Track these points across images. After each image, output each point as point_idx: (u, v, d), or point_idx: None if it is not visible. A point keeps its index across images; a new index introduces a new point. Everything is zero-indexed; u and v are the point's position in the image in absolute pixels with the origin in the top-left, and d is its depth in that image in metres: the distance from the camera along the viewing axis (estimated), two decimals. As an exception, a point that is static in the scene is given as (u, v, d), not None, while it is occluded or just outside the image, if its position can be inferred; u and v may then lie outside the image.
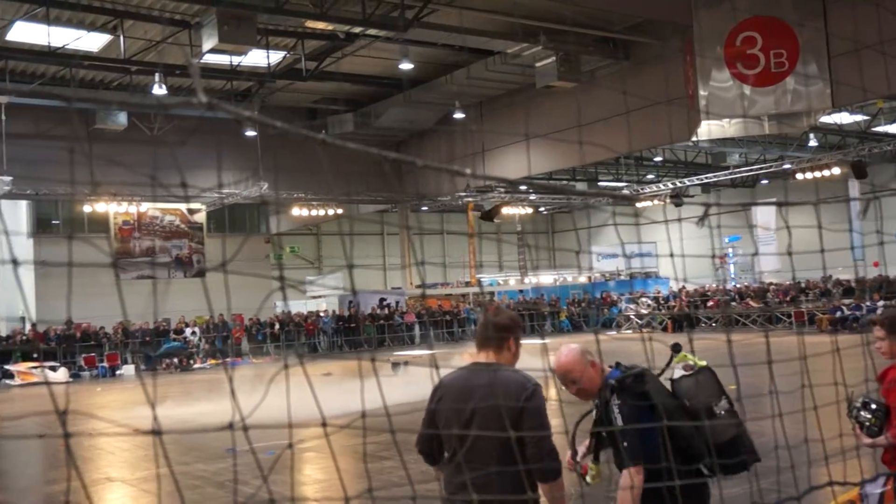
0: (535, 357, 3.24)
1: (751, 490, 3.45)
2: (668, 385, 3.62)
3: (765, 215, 33.05)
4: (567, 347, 3.72)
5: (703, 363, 3.61)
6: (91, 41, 22.80)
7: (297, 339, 32.18)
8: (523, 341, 3.70)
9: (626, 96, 23.31)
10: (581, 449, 3.78)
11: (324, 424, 1.76)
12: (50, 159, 25.11)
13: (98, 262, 25.50)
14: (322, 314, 34.28)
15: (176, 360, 28.31)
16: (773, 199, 38.17)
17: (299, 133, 1.60)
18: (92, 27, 22.10)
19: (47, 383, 23.65)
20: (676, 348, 3.68)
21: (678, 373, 3.62)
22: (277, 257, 38.38)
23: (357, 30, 21.97)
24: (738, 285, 37.41)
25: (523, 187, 39.03)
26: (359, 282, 37.98)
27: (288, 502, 5.18)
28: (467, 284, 41.92)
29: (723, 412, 3.49)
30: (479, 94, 29.71)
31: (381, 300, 35.82)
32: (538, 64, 24.35)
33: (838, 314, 27.79)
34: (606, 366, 3.65)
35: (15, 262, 1.52)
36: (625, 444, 3.34)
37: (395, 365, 17.56)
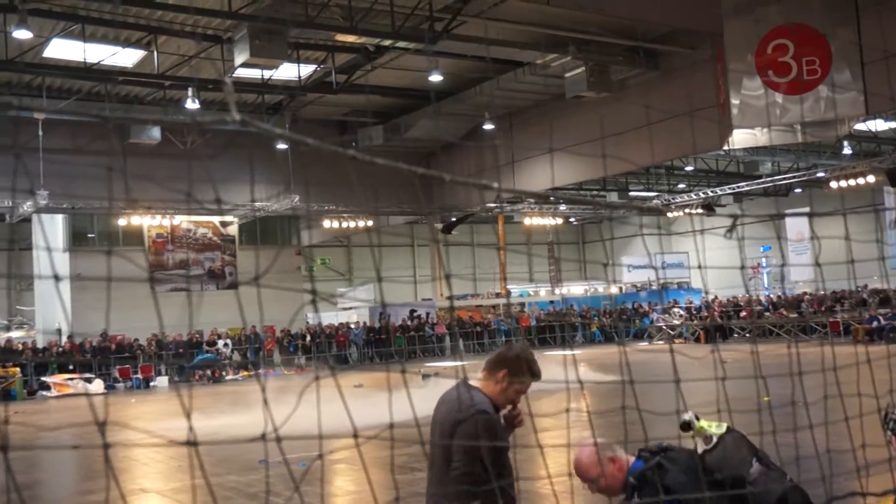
0: (562, 368, 3.24)
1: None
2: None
3: (797, 225, 32.71)
4: (584, 446, 3.51)
5: (723, 428, 3.38)
6: (125, 57, 23.18)
7: (327, 350, 32.33)
8: (553, 353, 3.70)
9: (656, 106, 23.22)
10: None
11: (355, 436, 1.78)
12: (85, 174, 25.46)
13: (133, 275, 25.85)
14: (353, 325, 34.41)
15: (208, 371, 28.56)
16: (803, 210, 37.74)
17: (329, 149, 1.63)
18: (126, 43, 22.48)
19: (87, 395, 23.97)
20: (686, 427, 3.41)
21: (700, 448, 3.39)
22: (309, 269, 38.63)
23: (387, 42, 22.10)
24: (770, 295, 37.01)
25: (553, 198, 38.97)
26: (389, 294, 38.15)
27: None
28: (497, 296, 41.88)
29: (757, 476, 3.25)
30: (508, 105, 29.72)
31: (412, 311, 35.89)
32: (567, 74, 24.33)
33: (874, 324, 27.38)
34: (629, 456, 3.44)
35: (56, 278, 1.56)
36: None
37: (426, 376, 17.57)
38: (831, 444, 2.80)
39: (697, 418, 3.41)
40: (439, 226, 36.90)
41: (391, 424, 1.82)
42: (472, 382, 3.67)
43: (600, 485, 3.40)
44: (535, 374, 3.68)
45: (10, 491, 1.56)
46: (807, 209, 35.00)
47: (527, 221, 41.88)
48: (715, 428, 3.38)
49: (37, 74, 23.74)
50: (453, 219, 35.42)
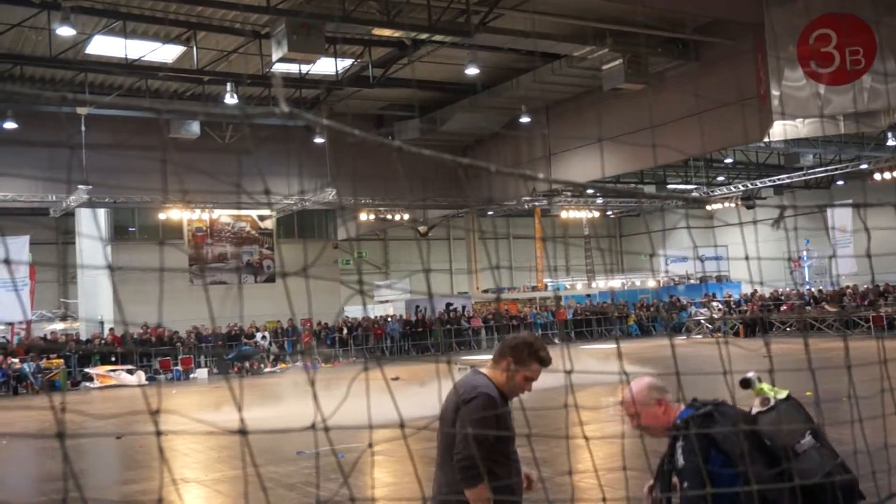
0: (603, 362, 3.22)
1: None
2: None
3: (841, 217, 32.17)
4: (638, 379, 3.47)
5: (784, 393, 3.30)
6: (165, 53, 23.46)
7: (364, 343, 32.50)
8: (592, 346, 3.69)
9: (696, 97, 22.96)
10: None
11: (402, 426, 1.79)
12: (127, 168, 25.86)
13: (175, 268, 26.14)
14: (390, 318, 34.56)
15: (247, 364, 28.86)
16: (850, 201, 37.11)
17: (376, 140, 1.63)
18: (166, 39, 22.75)
19: (140, 385, 24.39)
20: (745, 384, 3.35)
21: (755, 409, 3.33)
22: (346, 262, 38.82)
23: (423, 36, 22.12)
24: (812, 289, 36.48)
25: (590, 191, 38.75)
26: (425, 286, 38.21)
27: (369, 502, 5.24)
28: (534, 289, 41.77)
29: (807, 449, 3.15)
30: (545, 97, 29.58)
31: (448, 304, 35.93)
32: (605, 66, 24.15)
33: (920, 319, 26.87)
34: (681, 404, 3.37)
35: (111, 268, 1.58)
36: (685, 484, 3.14)
37: (462, 369, 17.62)
38: (880, 440, 2.75)
39: (760, 380, 3.37)
40: (423, 229, 37.16)
41: (441, 416, 1.82)
42: (483, 370, 3.69)
43: (640, 421, 3.38)
44: (543, 361, 3.64)
45: (64, 479, 1.59)
46: (850, 201, 34.39)
47: (563, 215, 41.69)
48: (774, 391, 3.33)
49: (79, 71, 24.13)
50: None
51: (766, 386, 3.34)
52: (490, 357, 3.76)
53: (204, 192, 26.32)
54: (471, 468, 3.33)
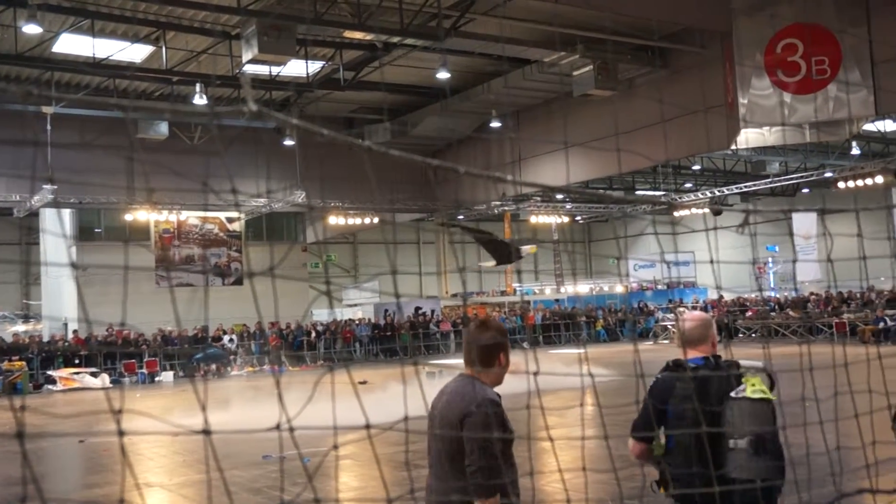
0: (569, 366, 3.24)
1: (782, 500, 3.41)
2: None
3: (805, 223, 32.61)
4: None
5: (764, 395, 3.38)
6: (134, 52, 23.24)
7: (333, 347, 32.37)
8: (559, 351, 3.72)
9: (664, 105, 23.18)
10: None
11: (367, 427, 1.78)
12: (93, 168, 25.57)
13: (139, 267, 25.88)
14: (357, 322, 34.45)
15: (213, 366, 28.62)
16: (814, 207, 37.64)
17: (346, 141, 1.63)
18: (135, 38, 22.53)
19: (103, 388, 24.05)
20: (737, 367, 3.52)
21: (734, 392, 3.44)
22: (315, 265, 38.66)
23: (395, 39, 22.11)
24: (777, 295, 36.93)
25: (560, 196, 38.95)
26: (394, 290, 38.10)
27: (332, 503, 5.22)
28: (503, 293, 41.87)
29: (738, 450, 3.31)
30: (516, 102, 29.69)
31: (417, 308, 35.90)
32: (575, 72, 24.29)
33: (881, 325, 27.30)
34: (701, 351, 3.71)
35: (74, 266, 1.56)
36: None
37: (430, 374, 17.58)
38: (841, 442, 2.80)
39: (755, 373, 3.45)
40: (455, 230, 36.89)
41: (406, 417, 1.82)
42: (472, 376, 3.60)
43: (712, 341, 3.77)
44: (505, 330, 3.74)
45: (24, 483, 1.56)
46: (815, 211, 34.84)
47: (533, 220, 41.84)
48: (759, 390, 3.38)
49: (46, 69, 23.83)
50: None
51: (756, 381, 3.41)
52: (460, 360, 3.73)
53: (168, 190, 26.07)
54: (489, 479, 3.30)
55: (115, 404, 1.68)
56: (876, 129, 30.63)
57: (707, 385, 3.44)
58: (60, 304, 31.60)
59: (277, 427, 1.62)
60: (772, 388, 3.48)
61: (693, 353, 3.67)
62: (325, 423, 2.06)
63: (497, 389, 3.61)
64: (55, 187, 25.92)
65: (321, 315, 35.26)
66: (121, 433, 1.44)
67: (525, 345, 32.31)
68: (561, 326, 36.89)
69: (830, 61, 21.25)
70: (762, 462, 3.27)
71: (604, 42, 22.95)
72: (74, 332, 29.57)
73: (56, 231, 30.32)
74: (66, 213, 31.40)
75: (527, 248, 34.41)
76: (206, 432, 1.53)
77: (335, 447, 2.00)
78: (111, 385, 25.41)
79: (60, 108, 24.52)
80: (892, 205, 32.72)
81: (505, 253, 27.24)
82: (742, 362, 3.48)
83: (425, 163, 1.65)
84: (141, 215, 30.61)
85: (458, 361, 3.78)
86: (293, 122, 1.48)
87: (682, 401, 3.49)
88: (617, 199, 35.96)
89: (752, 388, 3.38)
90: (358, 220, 34.78)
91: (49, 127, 24.87)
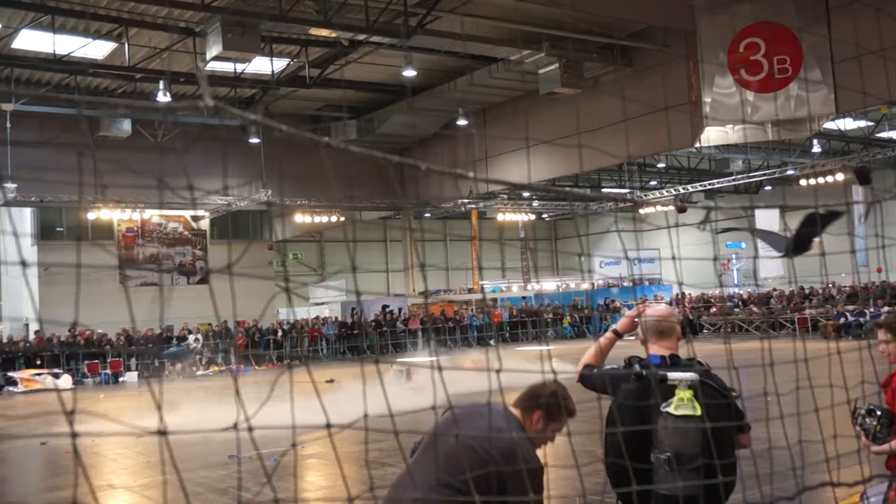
0: (534, 363, 3.24)
1: (744, 494, 3.44)
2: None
3: (767, 220, 33.00)
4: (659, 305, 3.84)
5: (684, 410, 3.36)
6: (96, 49, 22.89)
7: (300, 345, 32.20)
8: (526, 348, 3.70)
9: (629, 103, 23.33)
10: None
11: (328, 426, 1.77)
12: (54, 166, 25.19)
13: (103, 268, 25.56)
14: (324, 321, 34.30)
15: (179, 366, 28.34)
16: (776, 203, 38.14)
17: (304, 136, 1.61)
18: (97, 35, 22.21)
19: (55, 390, 23.68)
20: (663, 379, 3.45)
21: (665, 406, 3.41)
22: (281, 264, 38.40)
23: (361, 37, 22.02)
24: (740, 292, 37.37)
25: (527, 194, 39.09)
26: (362, 289, 37.99)
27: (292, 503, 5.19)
28: (470, 291, 41.93)
29: (657, 467, 3.33)
30: (482, 100, 29.74)
31: (384, 307, 35.83)
32: (541, 71, 24.37)
33: (842, 320, 27.75)
34: (662, 346, 3.71)
35: (24, 264, 1.53)
36: None
37: (399, 372, 17.55)
38: (803, 436, 2.83)
39: (692, 389, 3.39)
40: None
41: (365, 415, 1.81)
42: (510, 409, 3.43)
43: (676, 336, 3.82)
44: (571, 413, 3.51)
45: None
46: (777, 208, 35.25)
47: (500, 217, 41.99)
48: (685, 406, 3.36)
49: (5, 65, 23.42)
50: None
51: (686, 395, 3.37)
52: (426, 357, 3.71)
53: (120, 186, 25.74)
54: None
55: (71, 405, 1.65)
56: (836, 127, 31.10)
57: (648, 390, 3.39)
58: (21, 304, 31.13)
59: (235, 427, 1.59)
60: (725, 395, 3.48)
61: (654, 349, 3.63)
62: (289, 423, 2.03)
63: (462, 387, 3.56)
64: (15, 185, 25.51)
65: (291, 314, 35.03)
66: (74, 434, 1.41)
67: (491, 342, 32.40)
68: (528, 324, 37.03)
69: (792, 60, 21.52)
70: (680, 479, 3.28)
71: (569, 40, 23.04)
72: (36, 332, 29.12)
73: (17, 230, 29.90)
74: (27, 212, 30.95)
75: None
76: (163, 433, 1.50)
77: (293, 446, 1.98)
78: (74, 386, 25.05)
79: (20, 106, 24.11)
80: (853, 201, 33.24)
81: None
82: (670, 375, 3.40)
83: (385, 159, 1.63)
84: (104, 214, 30.20)
85: (426, 359, 3.75)
86: (250, 117, 1.46)
87: (621, 400, 3.51)
88: (585, 197, 36.12)
89: (680, 402, 3.36)
90: (324, 219, 34.64)
91: (9, 125, 24.47)
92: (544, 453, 2.73)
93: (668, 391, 3.38)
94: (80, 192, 23.08)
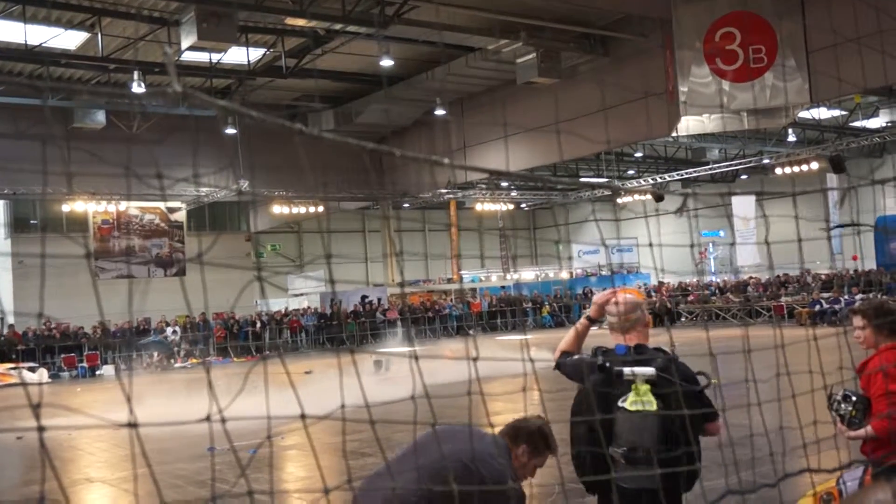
0: (513, 352, 3.23)
1: (727, 480, 3.46)
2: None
3: (744, 207, 33.25)
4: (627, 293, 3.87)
5: (650, 410, 3.38)
6: (68, 39, 22.60)
7: (278, 337, 32.09)
8: (505, 337, 3.69)
9: (606, 92, 23.37)
10: None
11: (302, 416, 1.75)
12: (28, 158, 24.88)
13: (77, 261, 25.31)
14: (303, 312, 34.19)
15: (156, 358, 28.17)
16: (752, 191, 38.41)
17: (276, 122, 1.59)
18: (69, 25, 21.91)
19: (31, 384, 23.45)
20: (624, 375, 3.48)
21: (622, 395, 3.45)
22: (259, 255, 38.23)
23: (337, 26, 21.90)
24: (718, 280, 37.63)
25: (505, 183, 39.11)
26: (341, 279, 37.91)
27: (268, 496, 5.16)
28: (449, 281, 41.94)
29: (616, 455, 3.37)
30: (459, 90, 29.69)
31: (364, 297, 35.75)
32: (519, 60, 24.36)
33: (817, 308, 28.01)
34: (631, 337, 3.71)
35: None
36: None
37: (378, 363, 17.52)
38: (781, 423, 2.84)
39: (651, 383, 3.40)
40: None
41: (342, 404, 1.79)
42: (495, 435, 3.46)
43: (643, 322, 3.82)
44: (554, 450, 3.58)
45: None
46: (754, 194, 35.46)
47: (478, 207, 41.99)
48: (640, 401, 3.38)
49: (-25, 56, 23.09)
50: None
51: (643, 388, 3.39)
52: (405, 347, 3.69)
53: (98, 178, 25.47)
54: None
55: (44, 399, 1.62)
56: (811, 117, 31.32)
57: (610, 382, 3.44)
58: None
59: (208, 418, 1.57)
60: (693, 381, 3.51)
61: (620, 340, 3.67)
62: (268, 408, 2.01)
63: (441, 377, 3.56)
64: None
65: (268, 304, 34.89)
66: (41, 428, 1.39)
67: (471, 332, 32.44)
68: (507, 313, 37.10)
69: (767, 50, 21.63)
70: (636, 471, 3.32)
71: (546, 30, 23.04)
72: (10, 326, 28.82)
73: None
74: (0, 205, 30.60)
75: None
76: (133, 425, 1.48)
77: (269, 437, 1.96)
78: (50, 380, 24.83)
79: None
80: (827, 188, 33.54)
81: None
82: (626, 370, 3.42)
83: (359, 145, 1.61)
84: (78, 206, 29.90)
85: (405, 349, 3.74)
86: (219, 103, 1.43)
87: (584, 392, 3.54)
88: (566, 185, 36.19)
89: (635, 397, 3.39)
90: (302, 210, 34.50)
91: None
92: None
93: (626, 386, 3.41)
94: (45, 180, 22.67)
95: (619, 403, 3.40)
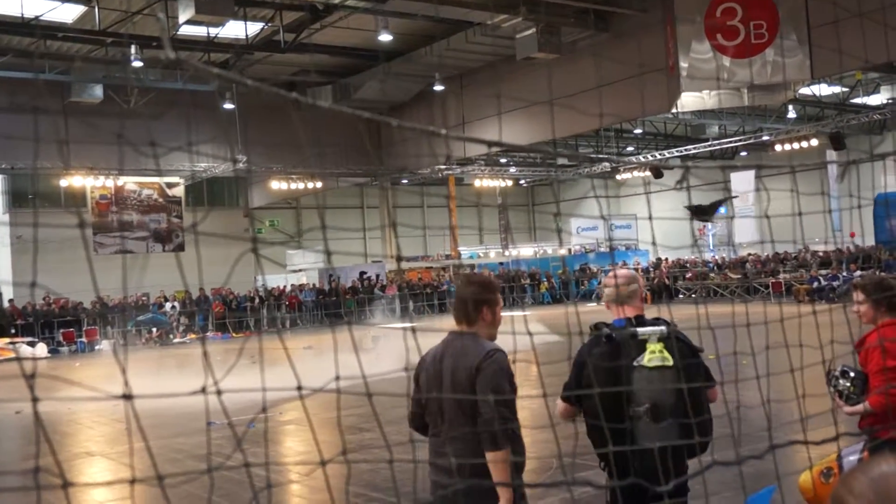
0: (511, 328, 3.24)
1: (713, 455, 3.46)
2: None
3: (743, 183, 33.22)
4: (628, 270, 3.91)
5: (668, 364, 3.44)
6: (65, 12, 22.44)
7: (277, 312, 32.17)
8: (505, 313, 3.69)
9: (606, 68, 23.23)
10: None
11: (299, 388, 1.74)
12: (25, 133, 24.76)
13: (75, 236, 25.30)
14: (301, 288, 34.24)
15: (155, 333, 28.23)
16: (752, 165, 38.37)
17: (271, 91, 1.57)
18: (65, -3, 21.74)
19: (31, 358, 23.50)
20: (638, 332, 3.55)
21: (637, 353, 3.51)
22: (258, 230, 38.20)
23: (336, 1, 21.71)
24: (716, 256, 37.65)
25: (504, 159, 39.02)
26: (338, 257, 37.88)
27: (263, 468, 5.19)
28: (448, 257, 41.95)
29: (638, 415, 3.40)
30: (459, 66, 29.52)
31: (362, 273, 35.78)
32: (518, 35, 24.20)
33: (815, 284, 28.06)
34: (628, 309, 3.76)
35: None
36: None
37: (376, 338, 17.57)
38: (775, 397, 2.85)
39: (662, 341, 3.48)
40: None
41: (337, 376, 1.78)
42: (467, 331, 3.59)
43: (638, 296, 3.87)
44: (497, 287, 3.75)
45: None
46: (753, 171, 35.40)
47: (477, 183, 41.92)
48: (657, 357, 3.45)
49: (-29, 29, 22.92)
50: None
51: (657, 348, 3.46)
52: (404, 323, 3.71)
53: (90, 145, 25.32)
54: (499, 430, 3.29)
55: (42, 372, 1.62)
56: (811, 93, 31.19)
57: (619, 351, 3.49)
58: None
59: (203, 391, 1.57)
60: (695, 353, 3.57)
61: (619, 313, 3.74)
62: (263, 382, 2.01)
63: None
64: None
65: (273, 281, 34.96)
66: (34, 399, 1.38)
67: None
68: (506, 289, 37.14)
69: (768, 25, 21.49)
70: (661, 428, 3.36)
71: (546, 4, 22.86)
72: (10, 301, 28.84)
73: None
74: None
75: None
76: (128, 397, 1.47)
77: (264, 410, 1.96)
78: (49, 355, 24.89)
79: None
80: (827, 161, 33.47)
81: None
82: (639, 330, 3.51)
83: (355, 114, 1.60)
84: (76, 181, 29.82)
85: (403, 325, 3.76)
86: (213, 71, 1.42)
87: (594, 364, 3.57)
88: (566, 154, 36.13)
89: (651, 355, 3.46)
90: (301, 185, 34.44)
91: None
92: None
93: (640, 346, 3.49)
94: (36, 151, 22.52)
95: (637, 363, 3.46)
